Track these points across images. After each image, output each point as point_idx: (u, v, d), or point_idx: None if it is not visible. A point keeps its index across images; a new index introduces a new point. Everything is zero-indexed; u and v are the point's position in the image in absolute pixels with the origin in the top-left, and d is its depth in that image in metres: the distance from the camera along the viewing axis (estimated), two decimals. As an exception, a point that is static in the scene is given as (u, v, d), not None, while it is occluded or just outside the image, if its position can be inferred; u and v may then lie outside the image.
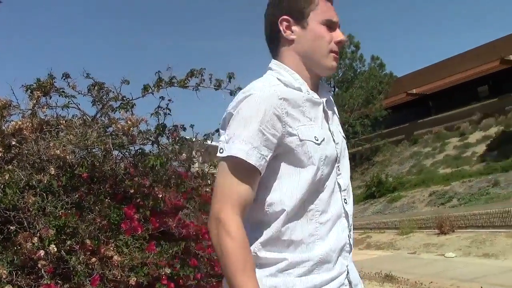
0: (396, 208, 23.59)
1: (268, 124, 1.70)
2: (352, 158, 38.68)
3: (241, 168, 1.68)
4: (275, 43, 1.94)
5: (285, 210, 1.74)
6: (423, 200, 22.68)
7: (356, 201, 28.11)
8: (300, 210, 1.77)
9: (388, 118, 35.43)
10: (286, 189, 1.75)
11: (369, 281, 12.20)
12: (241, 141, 1.67)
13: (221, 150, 1.71)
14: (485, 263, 14.03)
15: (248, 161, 1.66)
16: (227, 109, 1.79)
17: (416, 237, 18.81)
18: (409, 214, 21.40)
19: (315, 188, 1.79)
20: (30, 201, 3.23)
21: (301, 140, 1.76)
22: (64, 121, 4.01)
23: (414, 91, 35.31)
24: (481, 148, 27.12)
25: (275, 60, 1.93)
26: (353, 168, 37.00)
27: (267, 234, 1.75)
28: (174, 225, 3.93)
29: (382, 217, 23.11)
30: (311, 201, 1.79)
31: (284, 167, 1.78)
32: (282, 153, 1.76)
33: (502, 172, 21.08)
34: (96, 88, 4.32)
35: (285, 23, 1.89)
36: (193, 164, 5.25)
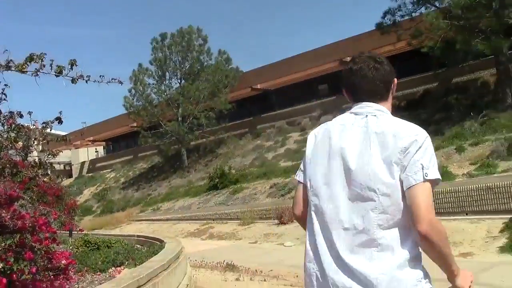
0: (239, 199, 24.09)
1: None
2: (196, 150, 38.91)
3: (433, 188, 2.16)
4: (382, 94, 2.38)
5: None
6: (264, 192, 23.37)
7: (199, 192, 28.37)
8: None
9: (232, 112, 35.97)
10: None
11: (211, 270, 12.33)
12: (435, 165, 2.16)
13: (426, 174, 2.09)
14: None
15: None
16: (410, 134, 2.18)
17: (257, 228, 19.34)
18: (250, 205, 21.94)
19: None
20: None
21: None
22: None
23: (259, 86, 36.24)
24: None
25: (383, 107, 2.38)
26: (197, 160, 37.25)
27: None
28: (9, 216, 3.73)
29: (224, 208, 23.48)
30: None
31: None
32: None
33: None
34: None
35: (395, 83, 2.46)
36: (30, 153, 5.04)
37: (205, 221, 23.01)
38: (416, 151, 2.12)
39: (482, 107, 22.39)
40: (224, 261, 12.90)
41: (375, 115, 2.28)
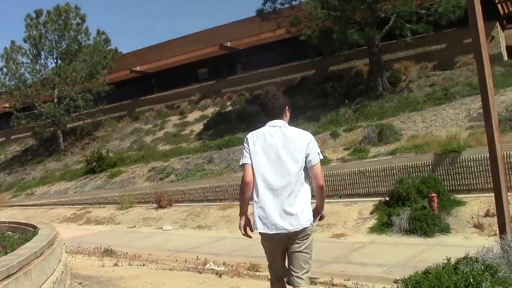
0: (117, 183, 23.74)
1: None
2: (73, 132, 37.79)
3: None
4: (282, 114, 4.55)
5: None
6: (143, 176, 23.19)
7: (76, 176, 27.65)
8: None
9: (111, 94, 35.25)
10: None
11: (89, 256, 12.17)
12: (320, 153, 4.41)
13: (319, 157, 4.36)
14: (199, 234, 15.00)
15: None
16: (303, 135, 4.40)
17: (136, 212, 19.23)
18: (129, 189, 21.73)
19: None
20: None
21: None
22: None
23: (138, 68, 35.67)
24: (198, 127, 28.65)
25: (284, 121, 4.56)
26: (73, 143, 36.23)
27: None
28: None
29: (102, 192, 23.07)
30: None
31: None
32: None
33: (216, 149, 22.55)
34: None
35: (288, 107, 4.67)
36: None
37: (82, 206, 22.52)
38: (313, 145, 4.35)
39: (355, 95, 23.48)
40: (101, 246, 12.77)
41: (285, 127, 4.45)
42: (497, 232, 6.85)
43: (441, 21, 20.58)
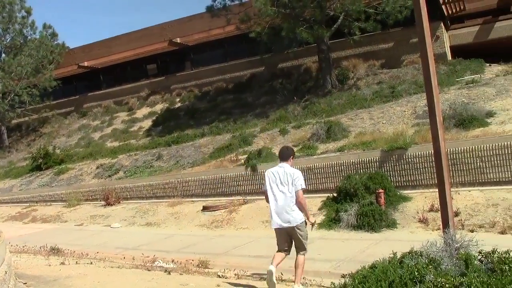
0: (64, 180, 23.32)
1: None
2: (18, 128, 36.92)
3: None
4: (288, 160, 7.50)
5: None
6: (90, 173, 22.86)
7: (22, 173, 27.03)
8: None
9: (58, 89, 34.53)
10: None
11: (34, 255, 11.90)
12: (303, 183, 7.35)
13: (301, 186, 7.23)
14: (148, 232, 14.91)
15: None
16: (294, 172, 7.31)
17: (83, 209, 18.97)
18: (76, 187, 21.40)
19: None
20: None
21: None
22: None
23: (86, 64, 35.05)
24: (147, 123, 28.43)
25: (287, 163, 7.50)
26: (19, 139, 35.41)
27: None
28: None
29: (49, 190, 22.61)
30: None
31: None
32: None
33: (165, 146, 22.42)
34: None
35: (293, 156, 7.85)
36: None
37: (28, 204, 22.07)
38: (298, 179, 7.19)
39: (304, 92, 23.73)
40: (48, 245, 12.54)
41: (286, 167, 7.34)
42: (441, 226, 7.05)
43: (388, 20, 21.00)
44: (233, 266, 9.61)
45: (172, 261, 10.19)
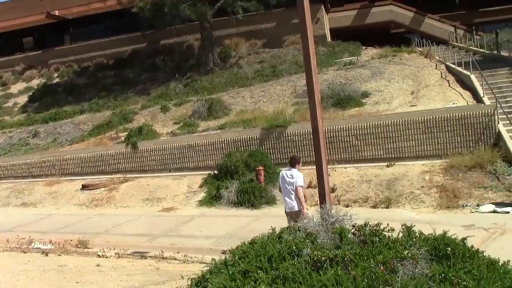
0: None
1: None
2: None
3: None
4: (295, 165, 9.15)
5: None
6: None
7: None
8: None
9: None
10: None
11: None
12: (302, 180, 9.19)
13: (299, 183, 9.01)
14: (24, 212, 14.35)
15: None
16: (296, 174, 9.05)
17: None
18: None
19: None
20: None
21: None
22: None
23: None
24: (23, 99, 27.12)
25: (295, 169, 9.20)
26: None
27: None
28: None
29: None
30: None
31: None
32: None
33: (42, 123, 21.55)
34: None
35: (299, 164, 9.53)
36: None
37: None
38: (297, 177, 8.97)
39: (186, 69, 23.61)
40: None
41: (293, 171, 9.06)
42: (318, 202, 7.33)
43: (271, 1, 21.31)
44: (114, 245, 9.50)
45: (50, 242, 9.92)
